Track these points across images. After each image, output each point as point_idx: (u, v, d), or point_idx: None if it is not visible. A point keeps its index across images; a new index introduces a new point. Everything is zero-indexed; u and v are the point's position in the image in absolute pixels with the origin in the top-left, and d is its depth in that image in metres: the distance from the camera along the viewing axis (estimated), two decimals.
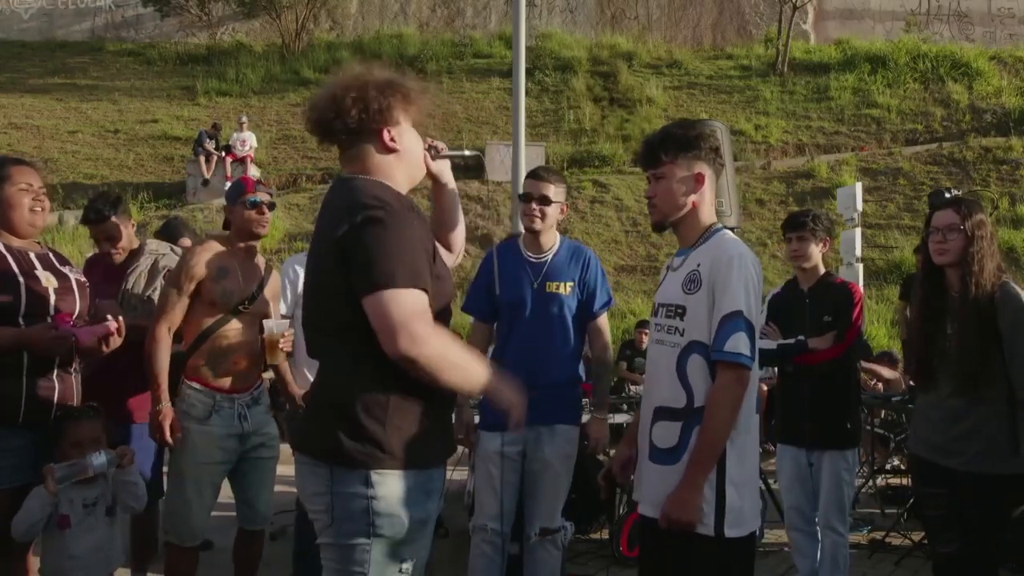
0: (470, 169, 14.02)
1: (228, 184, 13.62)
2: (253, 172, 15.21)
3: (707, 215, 2.47)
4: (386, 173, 2.13)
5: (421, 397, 2.04)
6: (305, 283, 2.19)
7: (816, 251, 3.85)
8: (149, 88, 18.87)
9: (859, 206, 8.49)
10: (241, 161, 15.14)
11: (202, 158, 14.96)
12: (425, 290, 1.98)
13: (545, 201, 3.40)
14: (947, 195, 4.98)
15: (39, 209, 2.95)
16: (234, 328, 3.29)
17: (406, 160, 2.17)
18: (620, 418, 5.41)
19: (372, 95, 2.10)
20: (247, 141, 15.30)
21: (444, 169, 2.35)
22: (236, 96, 18.15)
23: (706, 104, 17.29)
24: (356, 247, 1.96)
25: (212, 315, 3.27)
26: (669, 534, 2.30)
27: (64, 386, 2.97)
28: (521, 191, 3.52)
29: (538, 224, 3.40)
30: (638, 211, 13.92)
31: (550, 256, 3.45)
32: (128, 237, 3.93)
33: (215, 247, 3.33)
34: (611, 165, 15.52)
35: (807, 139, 16.33)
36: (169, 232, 4.96)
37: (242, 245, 3.37)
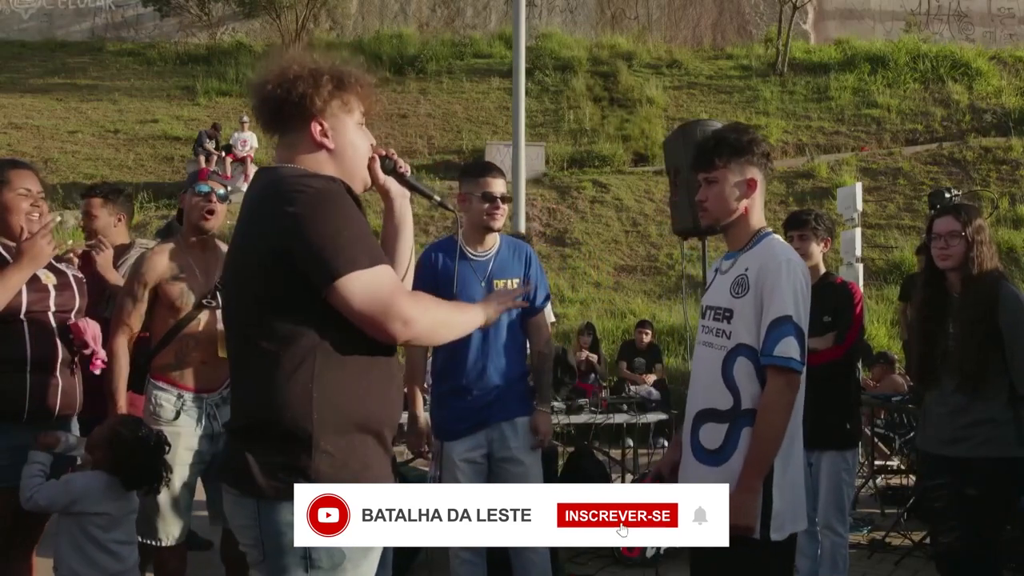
0: None
1: (227, 183, 13.63)
2: (253, 172, 15.23)
3: (757, 219, 2.49)
4: (316, 171, 1.89)
5: (353, 416, 1.82)
6: (224, 290, 2.00)
7: (817, 250, 3.85)
8: (149, 88, 18.87)
9: (859, 206, 8.48)
10: (241, 161, 15.14)
11: (202, 158, 14.95)
12: (384, 260, 1.81)
13: (507, 199, 3.40)
14: (947, 195, 4.99)
15: (37, 215, 2.93)
16: (200, 323, 3.23)
17: (340, 161, 1.92)
18: (620, 418, 5.41)
19: (315, 79, 1.88)
20: (248, 141, 15.29)
21: (393, 186, 2.06)
22: (236, 96, 18.13)
23: (706, 104, 17.28)
24: (296, 239, 1.73)
25: (175, 315, 3.20)
26: None
27: (67, 384, 2.98)
28: (482, 190, 3.35)
29: (499, 223, 3.35)
30: (638, 211, 13.92)
31: (493, 253, 3.40)
32: (107, 225, 3.91)
33: (166, 248, 3.27)
34: (611, 165, 15.52)
35: (807, 139, 16.33)
36: (171, 232, 4.95)
37: (194, 239, 3.29)
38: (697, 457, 2.43)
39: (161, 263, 3.21)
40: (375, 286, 1.75)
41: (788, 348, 2.28)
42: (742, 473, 2.29)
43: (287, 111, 1.89)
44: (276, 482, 1.76)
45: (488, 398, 3.28)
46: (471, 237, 3.40)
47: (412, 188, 2.10)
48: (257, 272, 1.81)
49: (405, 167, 2.06)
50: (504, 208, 3.36)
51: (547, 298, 3.54)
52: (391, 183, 2.05)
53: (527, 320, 3.48)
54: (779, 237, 2.52)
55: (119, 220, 3.97)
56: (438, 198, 2.22)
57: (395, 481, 2.00)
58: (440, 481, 3.63)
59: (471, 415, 3.29)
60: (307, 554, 1.77)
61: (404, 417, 3.30)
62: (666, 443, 7.58)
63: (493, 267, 3.37)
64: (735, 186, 2.44)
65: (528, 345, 3.55)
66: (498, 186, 3.36)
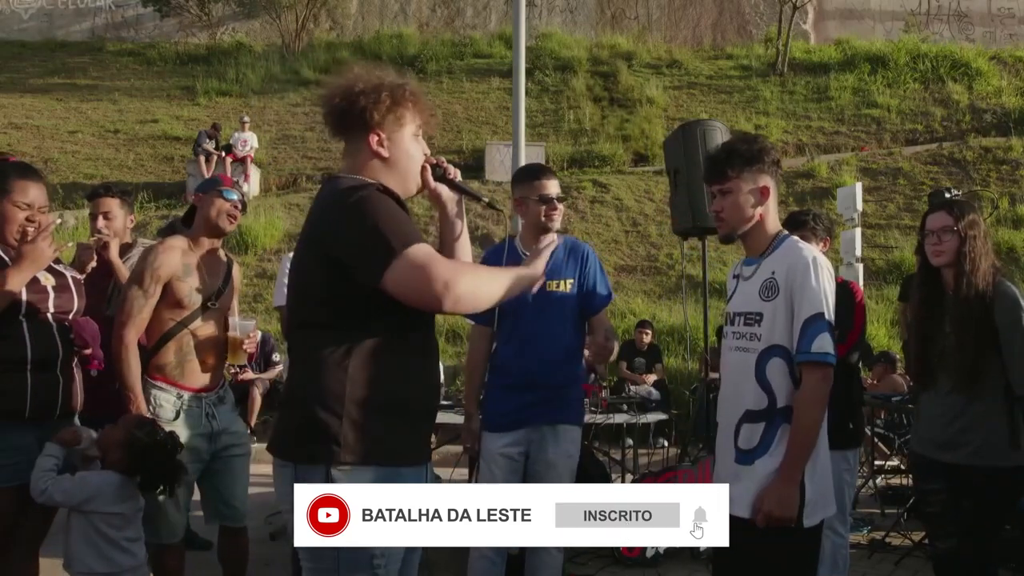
0: (469, 168, 14.04)
1: None
2: (253, 172, 15.23)
3: (772, 224, 2.58)
4: (373, 176, 2.12)
5: (384, 395, 2.02)
6: (289, 284, 2.19)
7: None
8: (149, 88, 18.86)
9: (859, 206, 8.50)
10: (241, 161, 15.13)
11: (202, 158, 14.94)
12: (421, 241, 1.98)
13: (563, 199, 3.46)
14: (947, 195, 4.99)
15: (31, 230, 2.90)
16: (201, 325, 3.24)
17: (395, 169, 2.15)
18: (620, 418, 5.41)
19: (377, 94, 2.10)
20: (248, 141, 15.28)
21: (443, 191, 2.27)
22: (236, 96, 18.14)
23: (706, 104, 17.28)
24: (343, 243, 1.97)
25: (178, 314, 3.20)
26: (748, 528, 2.37)
27: (67, 383, 2.98)
28: (537, 193, 3.42)
29: (558, 223, 3.42)
30: (638, 211, 13.92)
31: (552, 252, 3.44)
32: (123, 225, 3.94)
33: (178, 245, 3.26)
34: (611, 165, 15.51)
35: (807, 139, 16.33)
36: (174, 231, 4.96)
37: (206, 241, 3.33)
38: (736, 459, 2.49)
39: (174, 259, 3.21)
40: (414, 263, 1.91)
41: (824, 344, 2.37)
42: (783, 466, 2.37)
43: (349, 122, 2.13)
44: (310, 447, 1.98)
45: (535, 398, 3.32)
46: (528, 239, 3.46)
47: (462, 192, 2.30)
48: (312, 270, 2.04)
49: (454, 173, 2.26)
50: (561, 208, 3.44)
51: (608, 297, 3.52)
52: (442, 188, 2.26)
53: (588, 320, 3.51)
54: (797, 238, 2.59)
55: (131, 219, 4.03)
56: (486, 199, 2.37)
57: (427, 465, 2.18)
58: (478, 472, 3.65)
59: (515, 412, 3.33)
60: None
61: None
62: (666, 443, 7.59)
63: (548, 268, 3.39)
64: (749, 194, 2.52)
65: (587, 348, 3.57)
66: (553, 187, 3.44)
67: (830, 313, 2.41)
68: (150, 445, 2.89)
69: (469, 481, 4.09)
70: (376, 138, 2.12)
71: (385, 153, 2.13)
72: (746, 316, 2.53)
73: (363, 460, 1.97)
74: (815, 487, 2.40)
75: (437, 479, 3.77)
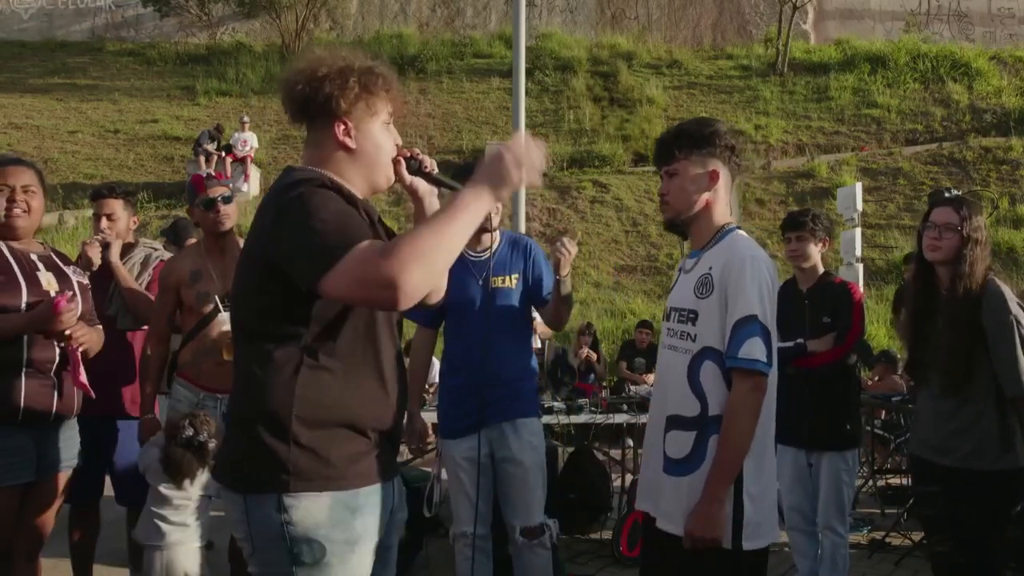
0: (469, 168, 14.00)
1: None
2: (253, 172, 15.24)
3: (721, 214, 2.39)
4: (337, 169, 1.92)
5: (336, 415, 1.83)
6: (232, 289, 1.99)
7: (815, 251, 3.85)
8: (149, 88, 18.87)
9: (859, 206, 8.49)
10: (241, 161, 15.14)
11: (202, 158, 14.95)
12: (364, 239, 1.72)
13: None
14: (947, 195, 4.98)
15: (18, 212, 2.86)
16: (218, 324, 3.32)
17: (362, 161, 1.94)
18: (620, 418, 5.40)
19: (344, 80, 1.89)
20: (248, 141, 15.29)
21: (420, 185, 2.07)
22: (236, 96, 18.16)
23: (706, 104, 17.28)
24: (276, 239, 1.76)
25: (196, 316, 3.35)
26: (680, 546, 2.22)
27: (64, 385, 2.96)
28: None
29: (494, 222, 3.32)
30: (638, 211, 13.93)
31: (492, 252, 3.40)
32: (127, 227, 3.94)
33: (188, 252, 3.47)
34: (611, 165, 15.53)
35: (807, 139, 16.33)
36: (176, 231, 4.96)
37: (214, 244, 3.44)
38: (665, 468, 2.31)
39: (180, 268, 3.38)
40: (351, 268, 1.66)
41: (754, 349, 2.18)
42: (707, 482, 2.18)
43: (312, 110, 1.92)
44: (258, 475, 1.80)
45: (489, 398, 3.28)
46: (471, 241, 3.39)
47: (439, 184, 2.10)
48: (253, 273, 1.84)
49: (430, 165, 2.06)
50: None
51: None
52: (418, 182, 2.06)
53: (537, 311, 3.51)
54: (744, 233, 2.41)
55: (135, 221, 4.02)
56: (459, 187, 2.18)
57: (394, 480, 2.00)
58: (442, 480, 3.63)
59: (470, 414, 3.28)
60: (290, 548, 1.79)
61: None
62: None
63: (491, 266, 3.37)
64: (695, 178, 2.35)
65: (535, 343, 3.56)
66: None
67: (766, 317, 2.22)
68: (182, 439, 3.09)
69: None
70: (343, 127, 1.91)
71: (352, 144, 1.92)
72: (679, 312, 2.37)
73: (318, 487, 1.79)
74: (756, 507, 2.20)
75: (417, 492, 3.74)
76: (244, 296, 1.89)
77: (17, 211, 2.86)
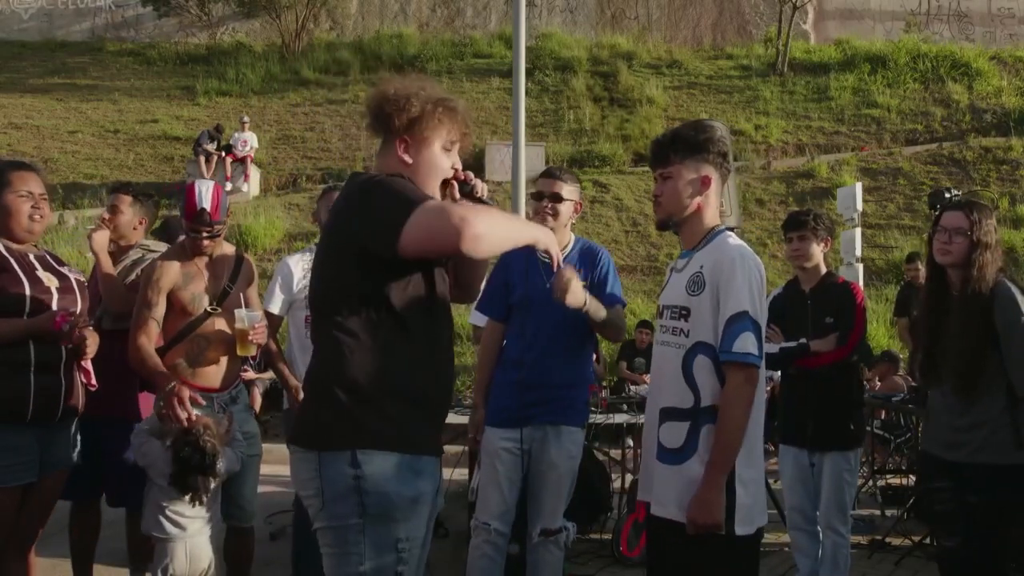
0: (469, 169, 14.00)
1: (227, 183, 13.62)
2: (253, 172, 15.23)
3: (710, 217, 2.50)
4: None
5: (406, 385, 2.10)
6: (312, 273, 2.26)
7: (817, 251, 3.85)
8: (149, 88, 18.86)
9: (859, 206, 8.50)
10: (241, 161, 15.12)
11: (202, 158, 14.93)
12: (429, 198, 2.07)
13: (557, 199, 3.41)
14: (947, 195, 4.98)
15: (38, 217, 2.98)
16: (211, 324, 3.32)
17: (415, 177, 2.20)
18: (620, 418, 5.40)
19: (402, 104, 2.18)
20: (248, 141, 15.27)
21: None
22: (236, 96, 18.14)
23: (706, 104, 17.28)
24: (358, 215, 2.06)
25: (187, 318, 3.31)
26: (678, 532, 2.32)
27: (70, 385, 2.99)
28: (533, 190, 3.50)
29: (550, 222, 3.39)
30: (638, 211, 13.92)
31: (563, 255, 3.43)
32: (129, 224, 3.91)
33: (175, 253, 3.40)
34: (611, 165, 15.52)
35: (807, 139, 16.33)
36: (168, 231, 4.94)
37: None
38: (659, 457, 2.43)
39: (173, 270, 3.32)
40: (427, 211, 1.98)
41: (746, 343, 2.30)
42: (706, 470, 2.29)
43: (378, 125, 2.25)
44: (335, 434, 2.05)
45: (538, 397, 3.32)
46: None
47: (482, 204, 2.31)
48: (333, 261, 2.14)
49: (482, 190, 2.32)
50: (552, 206, 3.40)
51: (616, 298, 3.49)
52: (466, 202, 2.29)
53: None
54: (733, 234, 2.52)
55: (140, 223, 3.98)
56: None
57: (439, 459, 2.22)
58: (479, 466, 3.64)
59: (518, 408, 3.31)
60: (360, 500, 2.02)
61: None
62: None
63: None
64: (689, 183, 2.46)
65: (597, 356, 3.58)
66: (546, 184, 3.45)
67: (756, 312, 2.34)
68: (191, 464, 3.03)
69: (469, 481, 4.08)
70: (403, 144, 2.21)
71: (408, 160, 2.21)
72: (672, 310, 2.48)
73: (388, 447, 2.04)
74: (748, 493, 2.33)
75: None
76: (327, 281, 2.16)
77: (37, 216, 2.97)
